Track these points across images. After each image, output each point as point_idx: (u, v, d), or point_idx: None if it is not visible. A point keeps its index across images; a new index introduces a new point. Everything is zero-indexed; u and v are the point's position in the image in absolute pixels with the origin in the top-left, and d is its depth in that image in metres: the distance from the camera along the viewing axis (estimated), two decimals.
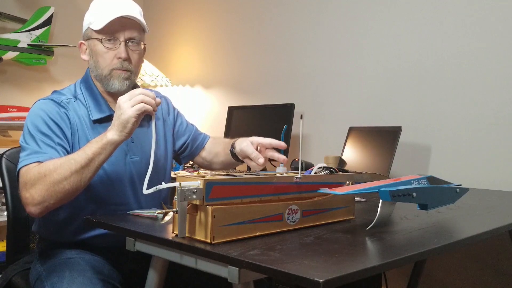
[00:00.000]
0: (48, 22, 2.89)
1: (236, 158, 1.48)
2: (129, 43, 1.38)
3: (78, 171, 1.17)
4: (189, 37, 3.33)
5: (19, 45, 2.75)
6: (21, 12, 2.91)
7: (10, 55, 2.71)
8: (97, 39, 1.36)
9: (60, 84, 3.04)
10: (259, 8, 2.91)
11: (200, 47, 3.27)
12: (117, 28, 1.34)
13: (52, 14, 2.91)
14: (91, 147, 1.18)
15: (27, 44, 2.78)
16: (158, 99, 1.23)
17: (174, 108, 1.62)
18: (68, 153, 1.28)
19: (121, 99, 1.19)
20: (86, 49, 1.41)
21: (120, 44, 1.36)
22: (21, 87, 2.96)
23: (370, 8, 2.40)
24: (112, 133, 1.18)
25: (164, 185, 0.99)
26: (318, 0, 2.60)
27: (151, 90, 1.60)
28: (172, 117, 1.58)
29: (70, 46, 2.91)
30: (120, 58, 1.36)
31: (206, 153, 1.64)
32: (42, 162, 1.21)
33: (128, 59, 1.37)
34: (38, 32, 2.85)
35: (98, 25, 1.34)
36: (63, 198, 1.19)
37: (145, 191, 1.05)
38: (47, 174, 1.16)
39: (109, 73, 1.37)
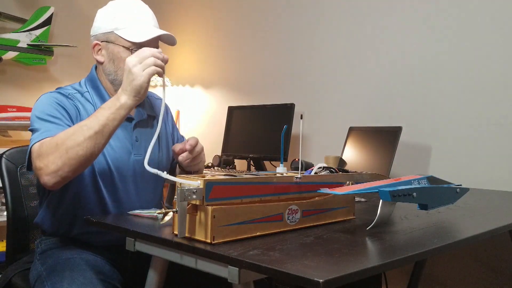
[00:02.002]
0: (48, 22, 2.89)
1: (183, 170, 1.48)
2: None
3: (92, 137, 1.15)
4: (189, 37, 3.33)
5: (19, 45, 2.75)
6: (21, 12, 2.91)
7: (10, 55, 2.71)
8: (125, 47, 1.36)
9: (60, 84, 3.03)
10: (259, 8, 2.91)
11: (200, 47, 3.27)
12: (149, 41, 1.36)
13: (52, 14, 2.91)
14: (103, 113, 1.17)
15: (27, 44, 2.79)
16: (166, 56, 1.24)
17: (171, 115, 1.64)
18: None
19: (131, 62, 1.18)
20: (101, 49, 1.40)
21: None
22: (21, 87, 2.96)
23: (370, 8, 2.39)
24: (125, 98, 1.18)
25: (166, 175, 1.00)
26: (318, 1, 2.60)
27: (155, 94, 1.61)
28: (170, 122, 1.61)
29: (70, 46, 2.91)
30: None
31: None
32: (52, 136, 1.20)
33: None
34: (38, 32, 2.85)
35: (137, 38, 1.35)
36: (78, 165, 1.16)
37: (147, 167, 1.04)
38: (60, 142, 1.15)
39: None
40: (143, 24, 1.38)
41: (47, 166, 1.15)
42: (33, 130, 1.26)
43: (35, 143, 1.21)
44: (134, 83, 1.17)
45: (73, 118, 1.32)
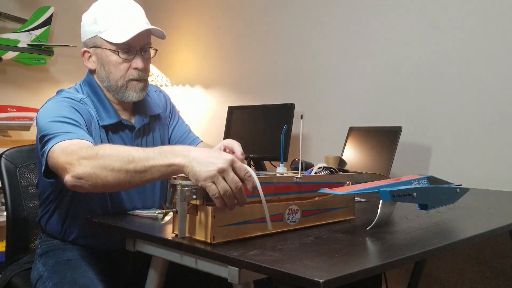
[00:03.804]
0: (48, 22, 2.89)
1: None
2: (143, 52, 1.35)
3: (129, 172, 1.00)
4: (189, 37, 3.33)
5: (19, 45, 2.75)
6: (21, 12, 2.91)
7: (10, 55, 2.71)
8: (111, 50, 1.31)
9: (60, 84, 3.03)
10: (259, 8, 2.91)
11: (200, 47, 3.27)
12: (133, 38, 1.30)
13: (52, 14, 2.91)
14: (155, 159, 0.98)
15: (27, 44, 2.78)
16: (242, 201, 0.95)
17: (171, 105, 1.60)
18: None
19: (218, 160, 0.92)
20: (91, 56, 1.36)
21: (135, 53, 1.32)
22: (21, 87, 2.96)
23: (369, 8, 2.39)
24: (182, 162, 0.94)
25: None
26: (318, 1, 2.60)
27: (152, 86, 1.59)
28: (168, 112, 1.57)
29: (70, 46, 2.91)
30: (136, 68, 1.33)
31: None
32: (85, 140, 1.13)
33: (144, 68, 1.35)
34: (38, 32, 2.84)
35: (119, 38, 1.28)
36: (99, 186, 1.05)
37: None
38: (100, 155, 1.03)
39: (125, 84, 1.33)
40: (126, 22, 1.31)
41: (76, 168, 1.04)
42: (48, 135, 1.15)
43: (58, 143, 1.11)
44: (197, 170, 0.91)
45: (88, 124, 1.26)
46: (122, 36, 1.29)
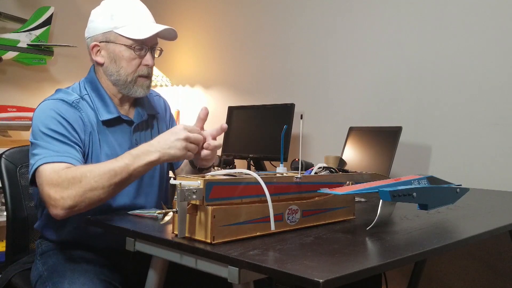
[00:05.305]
0: (48, 22, 2.89)
1: (193, 164, 1.44)
2: (152, 51, 1.41)
3: (117, 184, 1.16)
4: (189, 37, 3.33)
5: (19, 45, 2.75)
6: (21, 12, 2.91)
7: (10, 55, 2.71)
8: (126, 45, 1.35)
9: (60, 84, 3.03)
10: (259, 8, 2.91)
11: (200, 47, 3.27)
12: (151, 36, 1.36)
13: (52, 14, 2.91)
14: (134, 163, 1.17)
15: (27, 44, 2.78)
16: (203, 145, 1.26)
17: (170, 111, 1.63)
18: (83, 153, 1.28)
19: (179, 134, 1.19)
20: (100, 50, 1.38)
21: (147, 51, 1.38)
22: (21, 87, 2.96)
23: (370, 8, 2.39)
24: (158, 156, 1.18)
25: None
26: (318, 1, 2.60)
27: (153, 91, 1.60)
28: (168, 118, 1.60)
29: (70, 46, 2.91)
30: (147, 65, 1.38)
31: (183, 165, 1.60)
32: (66, 162, 1.19)
33: (152, 66, 1.41)
34: (38, 32, 2.85)
35: (138, 35, 1.34)
36: (94, 205, 1.17)
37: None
38: (83, 180, 1.14)
39: (133, 80, 1.38)
40: (142, 21, 1.37)
41: (65, 201, 1.13)
42: (37, 145, 1.23)
43: (42, 164, 1.18)
44: (170, 152, 1.18)
45: (78, 130, 1.29)
46: (141, 33, 1.34)
